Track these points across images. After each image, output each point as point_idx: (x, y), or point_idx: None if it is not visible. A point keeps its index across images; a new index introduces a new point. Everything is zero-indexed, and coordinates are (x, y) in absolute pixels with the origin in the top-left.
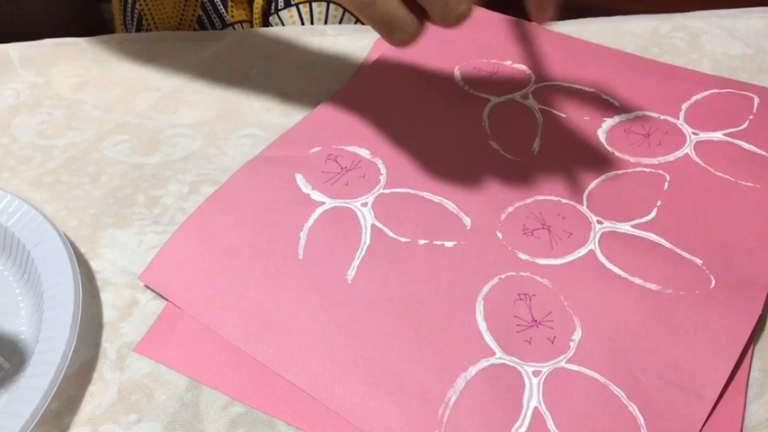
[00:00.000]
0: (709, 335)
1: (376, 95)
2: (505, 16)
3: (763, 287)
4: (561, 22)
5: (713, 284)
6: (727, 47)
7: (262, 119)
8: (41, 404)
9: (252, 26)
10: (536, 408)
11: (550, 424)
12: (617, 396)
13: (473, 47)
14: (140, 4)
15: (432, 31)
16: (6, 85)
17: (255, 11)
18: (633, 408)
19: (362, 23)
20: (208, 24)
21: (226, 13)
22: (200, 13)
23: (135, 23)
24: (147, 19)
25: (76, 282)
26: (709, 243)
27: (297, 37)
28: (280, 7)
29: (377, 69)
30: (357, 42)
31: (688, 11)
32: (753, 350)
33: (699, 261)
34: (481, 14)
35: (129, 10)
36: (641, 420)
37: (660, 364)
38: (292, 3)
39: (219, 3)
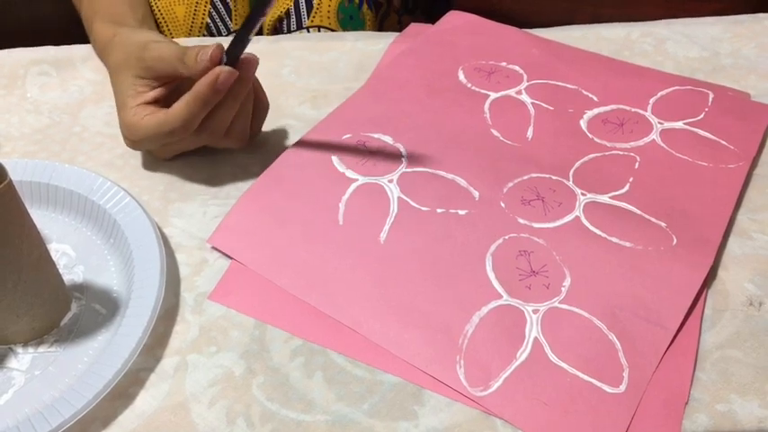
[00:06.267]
0: (671, 281)
1: (393, 91)
2: (500, 24)
3: (713, 244)
4: (548, 29)
5: (674, 242)
6: (688, 51)
7: (296, 111)
8: (143, 337)
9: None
10: (536, 337)
11: (547, 349)
12: (599, 328)
13: (473, 50)
14: (155, 14)
15: (436, 36)
16: (71, 82)
17: (265, 26)
18: (612, 336)
19: (377, 31)
20: (215, 31)
21: (230, 22)
22: (208, 21)
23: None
24: (161, 25)
25: (159, 242)
26: (671, 210)
27: (321, 42)
28: (292, 28)
29: (392, 69)
30: (373, 46)
31: (655, 19)
32: (706, 293)
33: (663, 224)
34: (479, 22)
35: None
36: (618, 345)
37: (633, 303)
38: (304, 26)
39: (225, 13)
